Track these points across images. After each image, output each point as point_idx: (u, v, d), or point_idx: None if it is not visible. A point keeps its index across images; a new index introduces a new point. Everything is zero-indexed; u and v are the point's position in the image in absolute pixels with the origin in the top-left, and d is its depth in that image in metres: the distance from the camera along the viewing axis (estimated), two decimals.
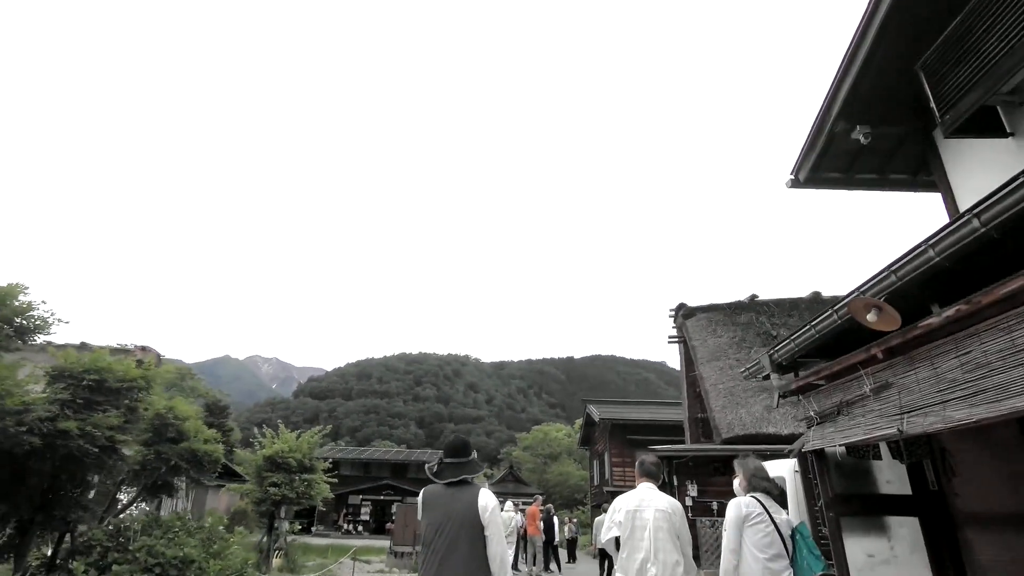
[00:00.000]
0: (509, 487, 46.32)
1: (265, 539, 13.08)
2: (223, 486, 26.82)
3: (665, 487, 12.18)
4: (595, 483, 29.64)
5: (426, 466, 3.50)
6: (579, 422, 47.17)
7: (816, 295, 16.90)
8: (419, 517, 3.26)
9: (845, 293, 3.93)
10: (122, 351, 27.68)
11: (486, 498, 3.11)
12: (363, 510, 37.49)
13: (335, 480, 14.96)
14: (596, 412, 26.54)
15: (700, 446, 12.17)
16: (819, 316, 3.93)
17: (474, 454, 3.52)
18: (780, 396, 4.66)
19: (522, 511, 17.72)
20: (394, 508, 25.83)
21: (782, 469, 7.00)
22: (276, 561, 12.66)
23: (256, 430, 14.05)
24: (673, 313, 18.05)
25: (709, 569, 10.67)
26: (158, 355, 29.75)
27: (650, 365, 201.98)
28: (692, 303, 17.75)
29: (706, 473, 11.80)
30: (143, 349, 27.80)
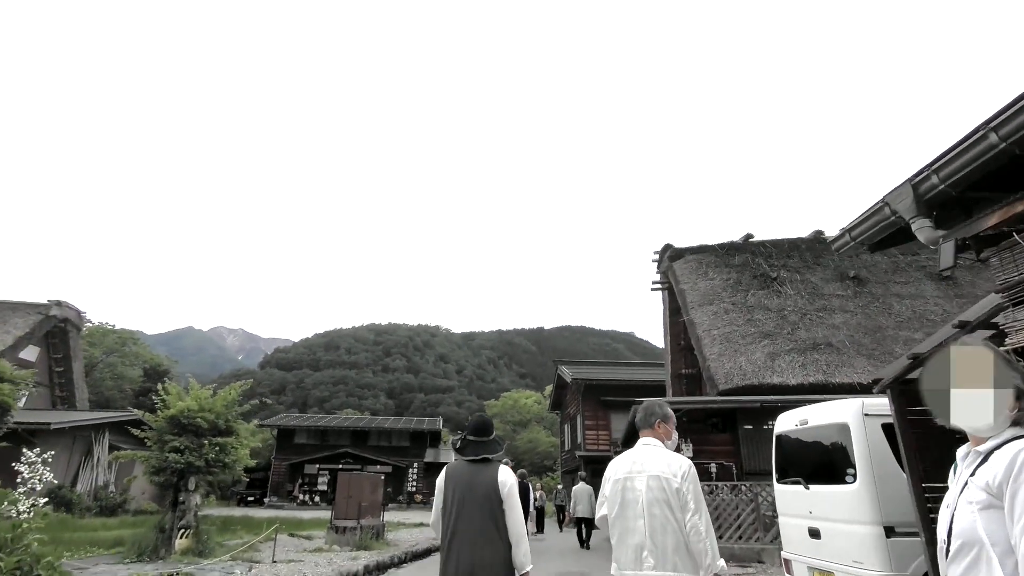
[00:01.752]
0: None
1: (168, 516, 10.70)
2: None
3: None
4: (566, 448, 27.98)
5: (450, 440, 4.04)
6: (549, 388, 45.66)
7: (818, 234, 15.08)
8: (439, 490, 3.34)
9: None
10: (32, 305, 24.30)
11: (505, 475, 3.27)
12: (320, 480, 35.33)
13: (257, 444, 12.60)
14: (568, 373, 24.66)
15: (698, 398, 10.22)
16: None
17: (496, 433, 3.60)
18: (957, 250, 2.44)
19: None
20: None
21: (843, 414, 4.91)
22: (181, 542, 10.31)
23: (161, 387, 11.50)
24: (658, 256, 16.00)
25: None
26: (78, 311, 26.41)
27: (619, 336, 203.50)
28: (678, 246, 15.70)
29: (702, 430, 9.89)
30: (58, 304, 24.55)
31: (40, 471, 17.20)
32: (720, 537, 8.91)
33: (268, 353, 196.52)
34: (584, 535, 14.08)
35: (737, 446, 9.62)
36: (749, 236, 15.22)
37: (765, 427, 9.60)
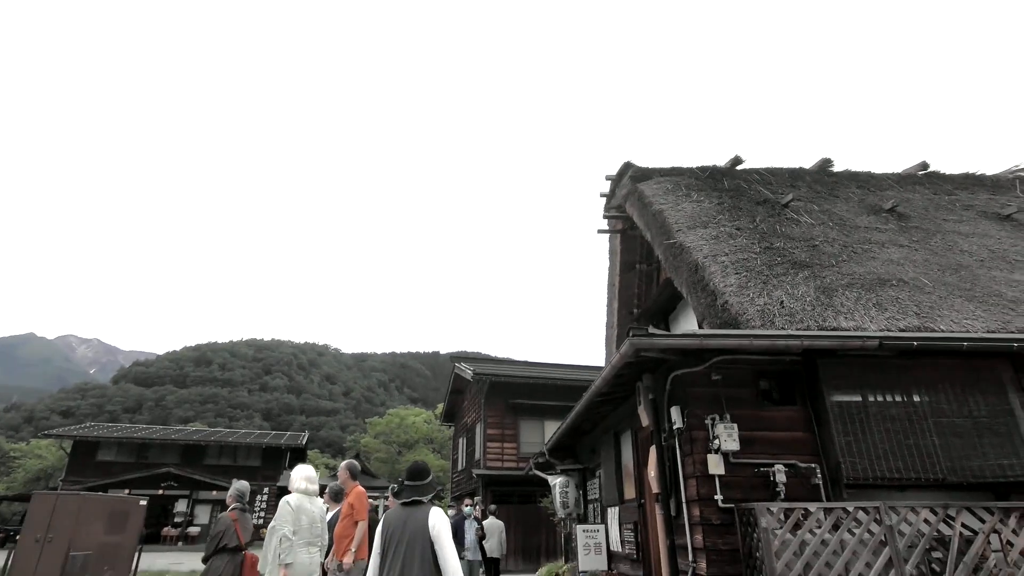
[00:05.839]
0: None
1: None
2: None
3: (652, 436, 5.15)
4: (460, 468, 22.34)
5: (390, 487, 4.24)
6: (441, 406, 39.69)
7: (825, 163, 11.23)
8: (377, 538, 3.45)
9: None
10: None
11: (436, 516, 3.41)
12: None
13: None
14: (468, 370, 19.26)
15: (746, 332, 5.28)
16: None
17: (432, 476, 3.71)
18: None
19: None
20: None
21: None
22: None
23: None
24: (613, 183, 11.30)
25: None
26: None
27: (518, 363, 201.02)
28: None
29: (745, 401, 5.00)
30: None
31: None
32: None
33: (126, 366, 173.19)
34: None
35: (820, 431, 4.80)
36: (737, 161, 11.02)
37: (881, 397, 4.85)
